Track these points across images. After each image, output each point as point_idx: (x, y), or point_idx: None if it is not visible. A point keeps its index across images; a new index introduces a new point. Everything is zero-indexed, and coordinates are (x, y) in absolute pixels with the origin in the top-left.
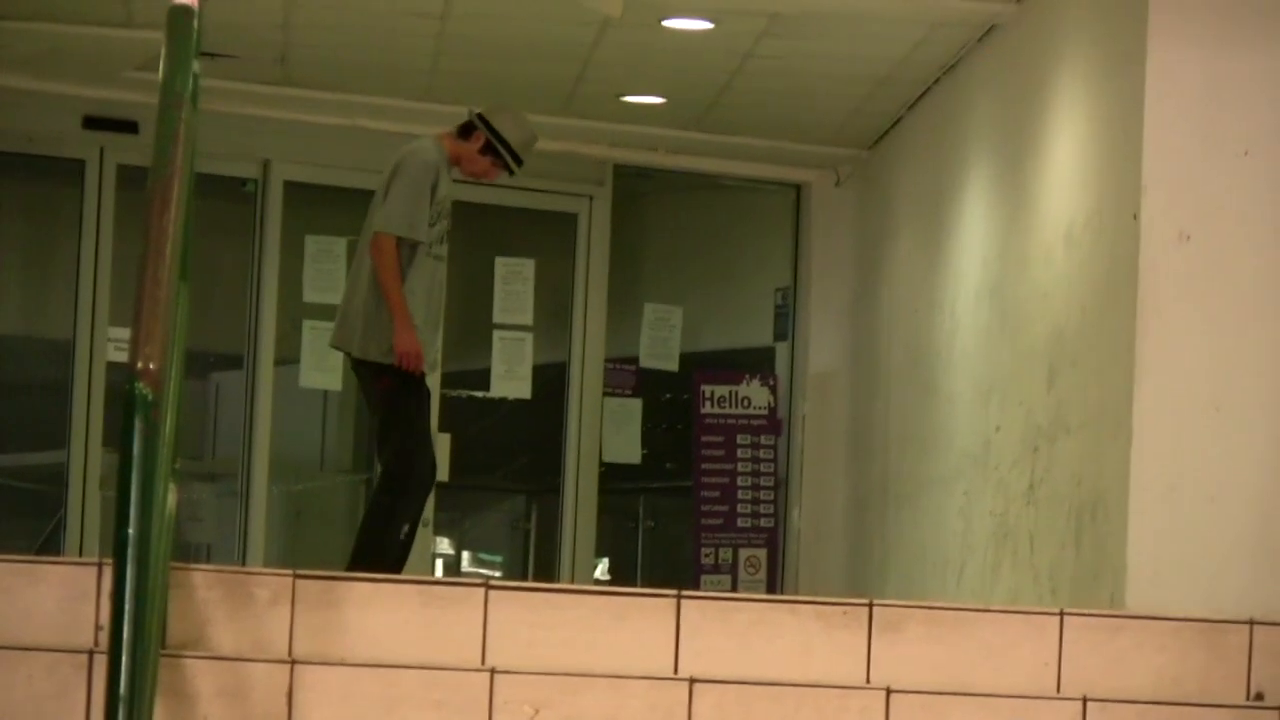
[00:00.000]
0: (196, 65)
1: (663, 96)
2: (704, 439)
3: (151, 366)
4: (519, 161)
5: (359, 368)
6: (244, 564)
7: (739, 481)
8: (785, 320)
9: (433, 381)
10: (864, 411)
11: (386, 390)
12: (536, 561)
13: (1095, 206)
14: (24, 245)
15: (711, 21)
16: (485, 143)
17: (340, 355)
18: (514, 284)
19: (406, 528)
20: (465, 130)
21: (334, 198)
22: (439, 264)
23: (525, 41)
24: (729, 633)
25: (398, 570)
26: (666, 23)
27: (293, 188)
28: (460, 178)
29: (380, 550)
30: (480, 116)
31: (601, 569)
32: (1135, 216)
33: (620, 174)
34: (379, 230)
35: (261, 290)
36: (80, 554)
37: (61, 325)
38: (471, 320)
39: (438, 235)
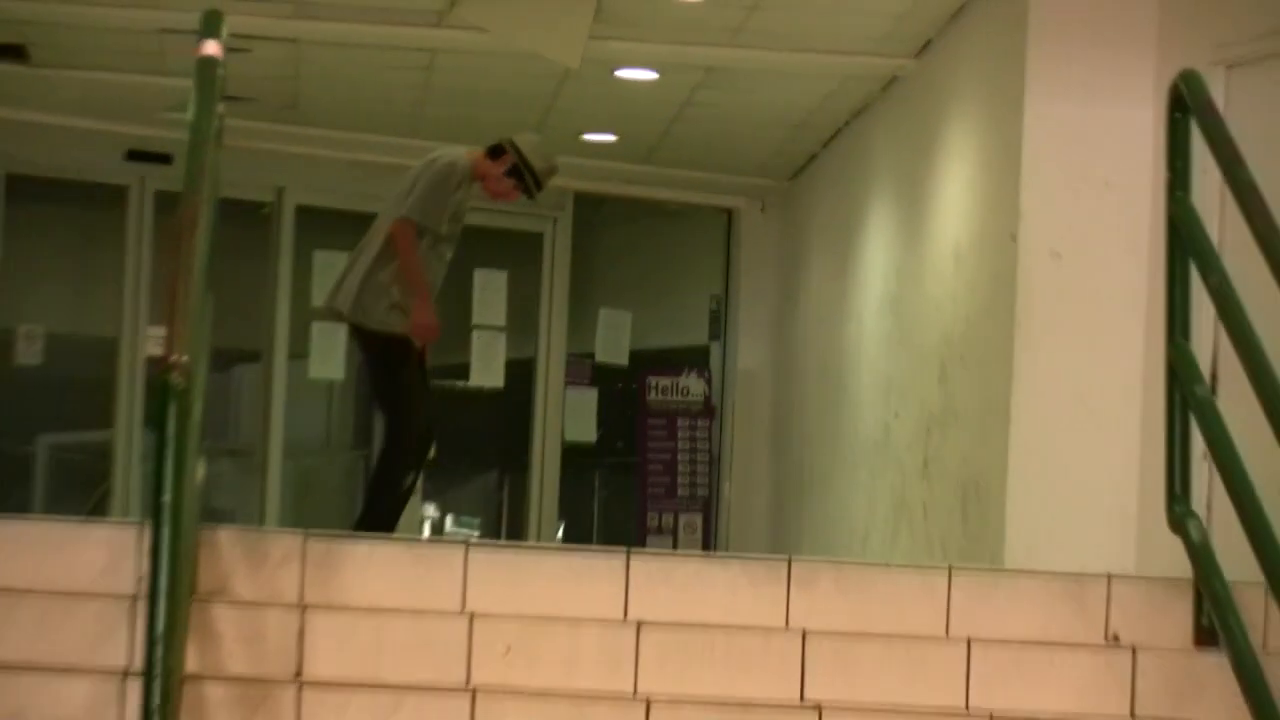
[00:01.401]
0: (220, 107)
1: (615, 135)
2: (649, 422)
3: (182, 360)
4: (539, 186)
5: (353, 331)
6: (261, 526)
7: (679, 458)
8: (718, 323)
9: None
10: (784, 401)
11: (376, 355)
12: (509, 525)
13: (979, 229)
14: (76, 259)
15: (656, 73)
16: (511, 165)
17: (342, 352)
18: (489, 292)
19: (412, 476)
20: (494, 152)
21: (338, 219)
22: (439, 263)
23: (497, 88)
24: (670, 584)
25: (403, 505)
26: (618, 73)
27: (302, 211)
28: (479, 197)
29: (389, 492)
30: (510, 142)
31: (562, 531)
32: (1013, 238)
33: (579, 200)
34: (402, 216)
35: (276, 297)
36: (124, 516)
37: (108, 325)
38: (453, 322)
39: (445, 234)
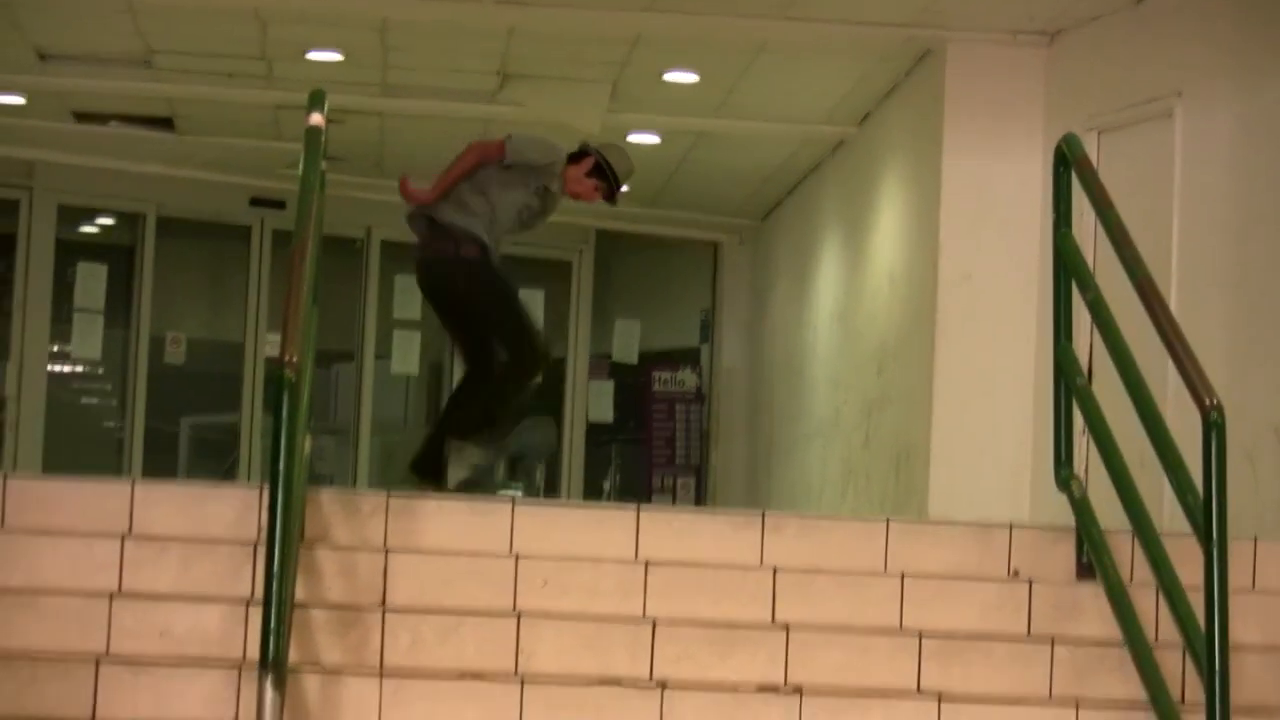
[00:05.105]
0: (323, 165)
1: (627, 185)
2: (654, 407)
3: (294, 359)
4: (619, 184)
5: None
6: (354, 487)
7: (676, 435)
8: (707, 330)
9: None
10: (757, 391)
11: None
12: (546, 486)
13: (908, 258)
14: (212, 281)
15: (659, 137)
16: (594, 165)
17: (417, 353)
18: (530, 307)
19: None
20: (576, 156)
21: (414, 252)
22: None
23: None
24: (670, 532)
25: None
26: (629, 138)
27: (387, 245)
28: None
29: (502, 409)
30: (591, 145)
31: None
32: (934, 264)
33: (600, 235)
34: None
35: (366, 311)
36: (248, 480)
37: (236, 332)
38: None
39: (529, 210)
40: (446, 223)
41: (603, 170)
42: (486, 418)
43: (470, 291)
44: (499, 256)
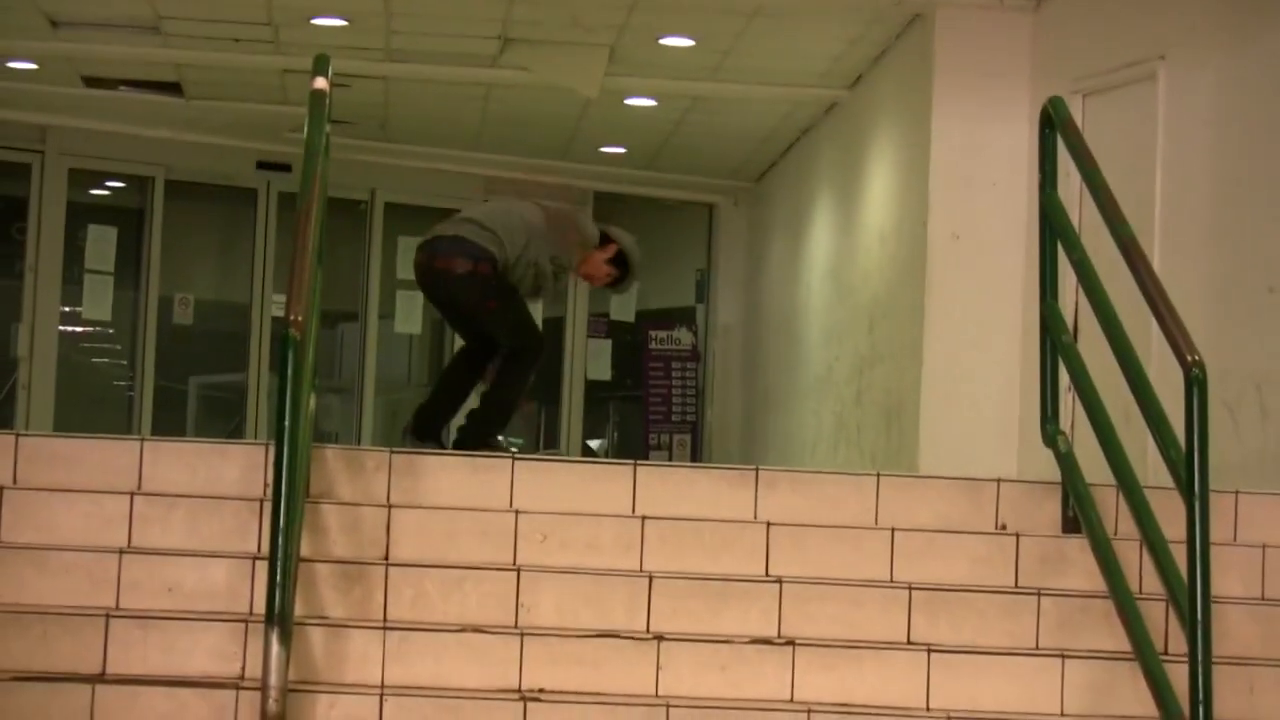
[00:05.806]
0: (328, 129)
1: (625, 148)
2: (650, 365)
3: (299, 319)
4: (632, 279)
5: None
6: (358, 445)
7: (673, 392)
8: (703, 289)
9: None
10: (752, 348)
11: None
12: (546, 442)
13: (898, 217)
14: (220, 243)
15: (655, 101)
16: (616, 254)
17: (420, 312)
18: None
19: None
20: (601, 242)
21: (417, 213)
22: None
23: (537, 112)
24: (667, 487)
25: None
26: (627, 101)
27: (390, 207)
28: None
29: (516, 397)
30: (616, 234)
31: (597, 445)
32: (924, 224)
33: (599, 197)
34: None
35: (370, 271)
36: (255, 438)
37: (243, 293)
38: None
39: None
40: (453, 236)
41: (622, 260)
42: (501, 416)
43: (482, 304)
44: (514, 261)
